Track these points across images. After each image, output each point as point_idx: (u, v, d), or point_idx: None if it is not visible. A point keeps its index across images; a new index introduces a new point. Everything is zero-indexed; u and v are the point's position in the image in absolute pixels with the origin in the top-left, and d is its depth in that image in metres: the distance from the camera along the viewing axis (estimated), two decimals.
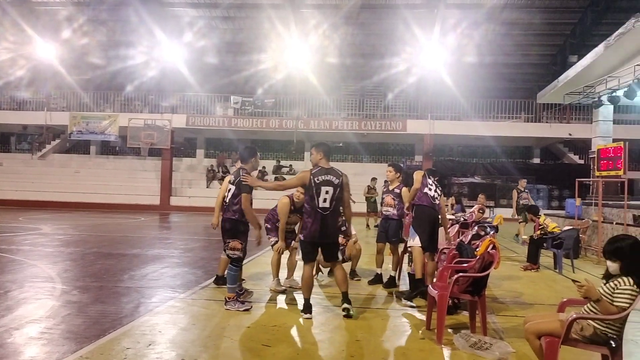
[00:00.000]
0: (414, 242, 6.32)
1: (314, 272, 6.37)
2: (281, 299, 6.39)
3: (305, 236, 5.54)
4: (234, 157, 26.76)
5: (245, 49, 27.59)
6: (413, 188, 6.50)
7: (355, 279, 7.55)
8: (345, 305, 5.44)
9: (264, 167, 26.59)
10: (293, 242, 6.91)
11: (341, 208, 5.79)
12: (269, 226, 6.91)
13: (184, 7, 25.72)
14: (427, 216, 6.38)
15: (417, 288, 6.22)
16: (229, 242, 5.78)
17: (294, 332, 5.09)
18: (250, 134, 27.05)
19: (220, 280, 6.84)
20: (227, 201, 5.82)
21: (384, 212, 7.45)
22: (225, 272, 6.04)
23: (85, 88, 27.26)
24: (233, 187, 5.80)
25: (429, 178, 6.54)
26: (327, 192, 5.44)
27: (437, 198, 6.51)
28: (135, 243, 11.94)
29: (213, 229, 6.62)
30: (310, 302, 5.53)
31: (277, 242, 6.73)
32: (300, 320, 5.42)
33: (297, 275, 7.17)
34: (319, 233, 5.46)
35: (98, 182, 25.43)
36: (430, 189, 6.45)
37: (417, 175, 6.53)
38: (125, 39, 27.03)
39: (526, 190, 14.31)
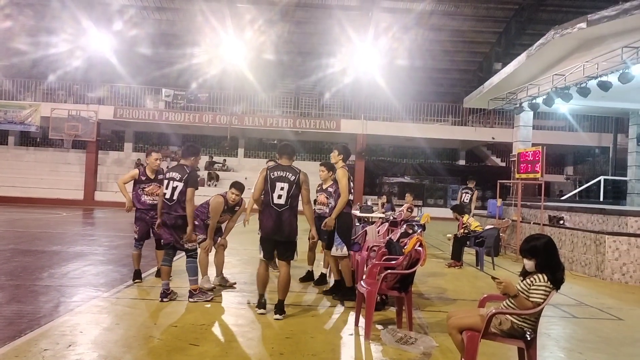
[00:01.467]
0: (343, 252, 6.32)
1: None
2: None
3: (261, 233, 5.55)
4: (165, 151, 26.03)
5: (178, 41, 26.83)
6: (343, 200, 6.29)
7: None
8: (277, 316, 5.33)
9: None
10: (220, 239, 6.85)
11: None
12: (196, 223, 6.78)
13: None
14: (349, 222, 6.57)
15: (348, 295, 6.26)
16: (184, 236, 5.94)
17: (223, 330, 5.03)
18: (182, 128, 26.38)
19: (139, 275, 6.90)
20: (175, 198, 5.87)
21: (317, 211, 7.48)
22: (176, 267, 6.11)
23: (5, 75, 25.55)
24: (180, 184, 5.87)
25: (351, 181, 6.56)
26: (282, 189, 5.42)
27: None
28: (56, 239, 11.34)
29: (127, 212, 6.94)
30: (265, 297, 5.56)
31: (204, 239, 6.64)
32: (230, 318, 5.37)
33: (226, 272, 7.12)
34: (272, 230, 5.42)
35: (16, 175, 24.01)
36: (352, 192, 6.53)
37: (343, 180, 6.34)
38: (49, 24, 25.52)
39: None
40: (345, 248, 6.31)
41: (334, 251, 6.39)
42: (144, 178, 6.89)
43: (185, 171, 5.93)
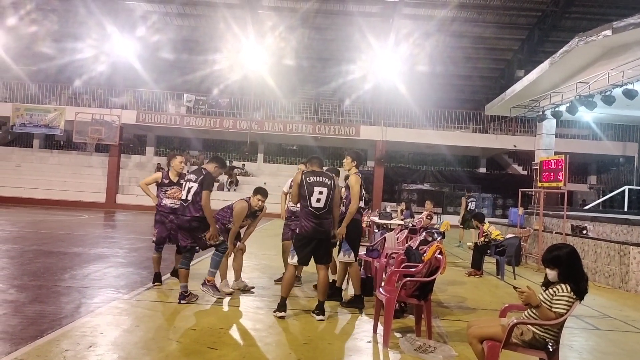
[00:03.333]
0: (350, 258, 6.25)
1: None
2: (228, 301, 6.30)
3: (299, 232, 5.61)
4: (186, 156, 26.32)
5: (200, 47, 27.18)
6: (354, 207, 6.10)
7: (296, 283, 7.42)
8: (320, 317, 5.50)
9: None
10: (239, 243, 6.88)
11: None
12: (217, 226, 6.82)
13: (137, 1, 25.08)
14: (359, 229, 6.51)
15: (357, 303, 6.23)
16: (205, 235, 5.98)
17: (241, 334, 5.03)
18: (203, 133, 26.68)
19: (159, 277, 6.93)
20: (190, 198, 5.94)
21: None
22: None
23: (31, 79, 26.14)
24: (195, 185, 5.94)
25: (363, 188, 6.36)
26: (320, 193, 5.55)
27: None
28: (78, 241, 11.52)
29: (155, 204, 6.97)
30: (286, 301, 5.59)
31: (223, 241, 6.65)
32: (248, 322, 5.37)
33: (244, 276, 7.14)
34: (312, 229, 5.53)
35: (40, 177, 24.49)
36: (362, 200, 6.40)
37: (356, 187, 6.14)
38: (74, 30, 26.07)
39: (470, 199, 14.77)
40: (352, 254, 6.25)
41: (341, 257, 6.34)
42: (166, 181, 6.96)
43: (202, 173, 6.01)
